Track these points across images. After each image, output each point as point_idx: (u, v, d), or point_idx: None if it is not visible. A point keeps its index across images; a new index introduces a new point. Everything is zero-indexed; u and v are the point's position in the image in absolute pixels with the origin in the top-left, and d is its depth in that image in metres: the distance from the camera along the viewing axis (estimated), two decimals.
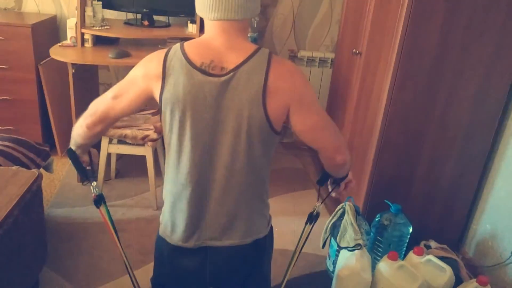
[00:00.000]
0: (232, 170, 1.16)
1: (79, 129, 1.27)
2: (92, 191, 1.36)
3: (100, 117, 1.23)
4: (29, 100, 2.83)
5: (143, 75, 1.16)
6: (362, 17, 2.37)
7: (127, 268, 1.45)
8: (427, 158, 2.11)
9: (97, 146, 1.46)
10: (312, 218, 1.41)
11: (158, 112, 1.20)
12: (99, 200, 1.36)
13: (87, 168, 1.40)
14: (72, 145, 1.33)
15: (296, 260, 1.45)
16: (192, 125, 1.13)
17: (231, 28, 1.11)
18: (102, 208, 1.37)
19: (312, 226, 1.42)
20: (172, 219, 1.24)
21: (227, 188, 1.18)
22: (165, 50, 1.15)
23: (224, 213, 1.20)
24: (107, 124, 1.26)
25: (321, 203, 1.42)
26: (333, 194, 1.46)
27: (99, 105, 1.23)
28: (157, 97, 1.15)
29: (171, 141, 1.17)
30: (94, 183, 1.36)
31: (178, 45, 1.14)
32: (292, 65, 1.16)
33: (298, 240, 1.46)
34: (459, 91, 1.97)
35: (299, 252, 1.44)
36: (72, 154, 1.33)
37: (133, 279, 1.47)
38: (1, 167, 1.85)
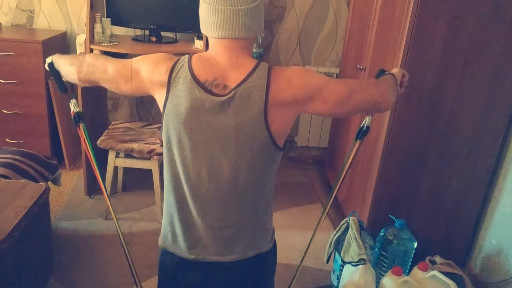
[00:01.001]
0: (235, 185, 1.15)
1: (70, 73, 1.32)
2: (71, 109, 1.39)
3: (92, 80, 1.28)
4: (39, 114, 2.88)
5: (148, 74, 1.17)
6: (366, 33, 2.40)
7: (133, 276, 1.44)
8: (432, 173, 2.11)
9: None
10: (361, 133, 1.36)
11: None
12: (78, 118, 1.39)
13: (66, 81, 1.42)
14: (55, 66, 1.38)
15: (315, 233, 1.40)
16: (191, 139, 1.13)
17: (235, 46, 1.13)
18: (81, 126, 1.40)
19: (361, 142, 1.37)
20: (172, 231, 1.24)
21: (229, 203, 1.17)
22: (174, 59, 1.17)
23: (225, 228, 1.20)
24: (95, 86, 1.31)
25: (372, 115, 1.37)
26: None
27: (96, 71, 1.26)
28: (160, 106, 1.17)
29: (168, 152, 1.18)
30: (74, 101, 1.40)
31: (186, 57, 1.16)
32: (288, 70, 1.14)
33: (345, 161, 1.39)
34: (462, 106, 1.98)
35: (326, 213, 1.39)
36: (53, 68, 1.39)
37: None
38: (9, 180, 1.88)
